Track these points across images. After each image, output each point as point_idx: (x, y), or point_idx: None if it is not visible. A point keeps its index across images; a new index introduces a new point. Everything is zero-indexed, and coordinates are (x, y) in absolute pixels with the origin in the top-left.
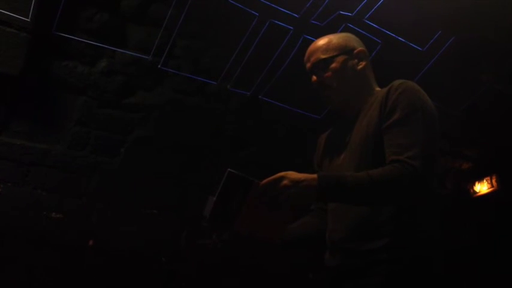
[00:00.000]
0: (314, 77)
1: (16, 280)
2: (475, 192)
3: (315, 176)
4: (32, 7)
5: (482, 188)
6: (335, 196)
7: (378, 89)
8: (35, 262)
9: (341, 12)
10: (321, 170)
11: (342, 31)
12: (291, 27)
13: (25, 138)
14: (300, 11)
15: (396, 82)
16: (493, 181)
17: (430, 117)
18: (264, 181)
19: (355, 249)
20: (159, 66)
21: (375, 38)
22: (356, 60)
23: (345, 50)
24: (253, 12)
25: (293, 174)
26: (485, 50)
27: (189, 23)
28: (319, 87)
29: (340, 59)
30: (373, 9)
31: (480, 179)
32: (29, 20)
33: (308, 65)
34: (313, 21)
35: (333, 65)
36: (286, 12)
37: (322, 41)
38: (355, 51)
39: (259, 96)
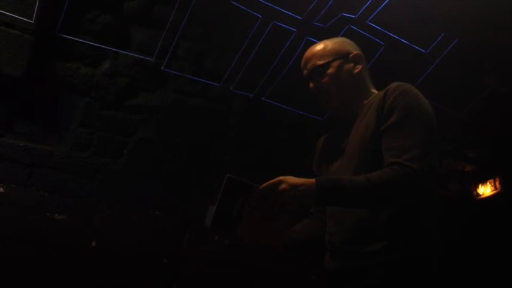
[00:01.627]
0: (312, 84)
1: (18, 281)
2: (478, 195)
3: (313, 180)
4: (35, 9)
5: (485, 190)
6: (333, 200)
7: (375, 91)
8: (37, 263)
9: (344, 14)
10: (320, 173)
11: (345, 33)
12: (294, 29)
13: (28, 140)
14: (303, 12)
15: (393, 84)
16: (497, 183)
17: (428, 118)
18: (263, 185)
19: (354, 251)
20: (162, 67)
21: (378, 40)
22: (352, 64)
23: (340, 55)
24: (256, 14)
25: (291, 179)
26: (488, 52)
27: (192, 25)
28: (318, 93)
29: (336, 63)
30: (376, 11)
31: (483, 181)
32: (32, 21)
33: (305, 72)
34: (316, 23)
35: (330, 70)
36: (289, 14)
37: (317, 47)
38: (351, 55)
39: (262, 98)
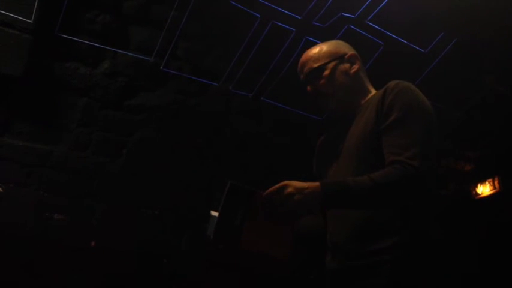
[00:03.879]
0: (309, 87)
1: (17, 281)
2: (477, 194)
3: (317, 183)
4: (34, 8)
5: (484, 189)
6: (340, 202)
7: (373, 91)
8: (36, 263)
9: (343, 13)
10: (320, 174)
11: (344, 33)
12: (293, 29)
13: (27, 139)
14: (302, 12)
15: (392, 83)
16: (495, 183)
17: (427, 116)
18: (268, 190)
19: (356, 250)
20: (161, 67)
21: (377, 40)
22: (348, 65)
23: (335, 56)
24: (255, 13)
25: (296, 183)
26: (487, 52)
27: (191, 25)
28: (316, 96)
29: (332, 65)
30: (375, 11)
31: (482, 180)
32: (31, 21)
33: (302, 76)
34: (315, 23)
35: (326, 72)
36: (288, 13)
37: (312, 51)
38: (346, 56)
39: (261, 98)
